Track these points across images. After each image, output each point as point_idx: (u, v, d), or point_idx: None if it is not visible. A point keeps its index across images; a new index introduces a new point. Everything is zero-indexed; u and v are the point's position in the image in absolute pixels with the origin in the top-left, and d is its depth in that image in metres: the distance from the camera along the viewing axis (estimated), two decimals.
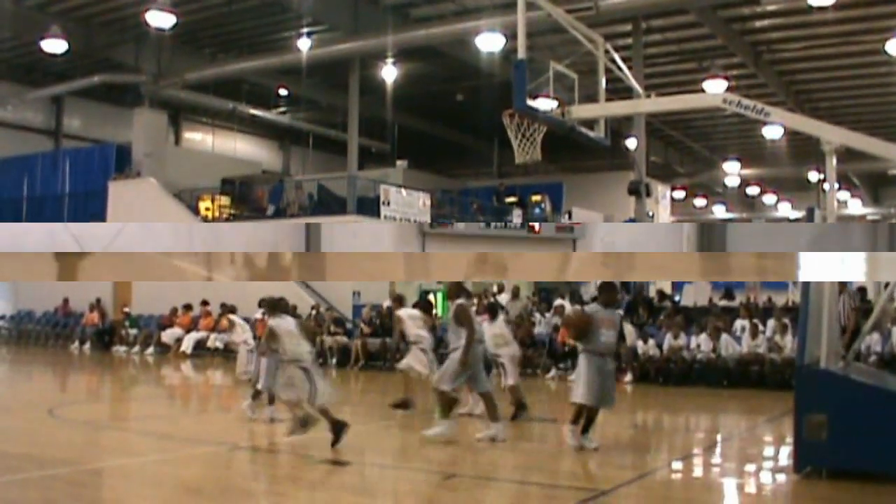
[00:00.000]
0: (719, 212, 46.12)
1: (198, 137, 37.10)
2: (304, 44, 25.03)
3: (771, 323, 17.73)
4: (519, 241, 17.90)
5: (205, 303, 23.38)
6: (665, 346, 18.25)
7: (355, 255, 8.50)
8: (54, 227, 17.42)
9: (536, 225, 17.70)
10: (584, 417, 9.38)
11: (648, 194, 24.97)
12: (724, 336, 17.75)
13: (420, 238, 17.81)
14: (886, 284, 10.95)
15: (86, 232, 16.95)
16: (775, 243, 18.60)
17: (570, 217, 28.84)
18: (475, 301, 13.86)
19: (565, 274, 8.16)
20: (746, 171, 37.98)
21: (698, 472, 9.00)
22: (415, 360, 12.48)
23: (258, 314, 13.26)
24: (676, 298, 22.54)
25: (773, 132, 28.54)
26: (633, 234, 18.57)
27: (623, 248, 18.69)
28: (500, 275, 8.63)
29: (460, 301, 10.25)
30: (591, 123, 16.34)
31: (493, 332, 12.44)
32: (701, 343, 17.93)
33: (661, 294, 21.51)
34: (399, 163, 34.05)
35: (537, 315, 20.66)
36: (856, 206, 42.92)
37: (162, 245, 17.03)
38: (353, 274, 7.87)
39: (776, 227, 19.66)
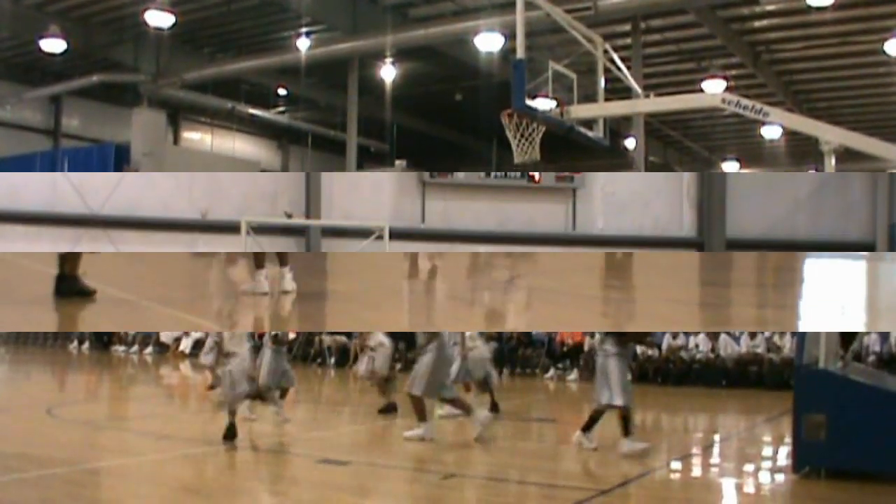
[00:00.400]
0: None
1: (196, 137, 37.07)
2: (302, 43, 25.01)
3: None
4: (519, 191, 17.93)
5: None
6: (664, 346, 18.25)
7: (358, 303, 8.58)
8: (55, 176, 17.40)
9: (536, 175, 17.69)
10: (591, 418, 9.39)
11: None
12: (723, 336, 17.75)
13: (420, 188, 17.87)
14: None
15: (86, 182, 16.99)
16: (776, 193, 18.64)
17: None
18: None
19: (563, 324, 8.18)
20: (745, 171, 37.98)
21: (697, 472, 9.00)
22: (362, 366, 12.60)
23: None
24: None
25: (771, 132, 28.52)
26: (632, 184, 18.60)
27: (623, 197, 18.73)
28: (497, 324, 8.64)
29: None
30: (589, 123, 16.34)
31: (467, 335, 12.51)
32: (699, 343, 17.93)
33: None
34: (398, 162, 34.01)
35: None
36: None
37: (161, 193, 17.08)
38: (354, 324, 7.93)
39: (777, 177, 19.63)
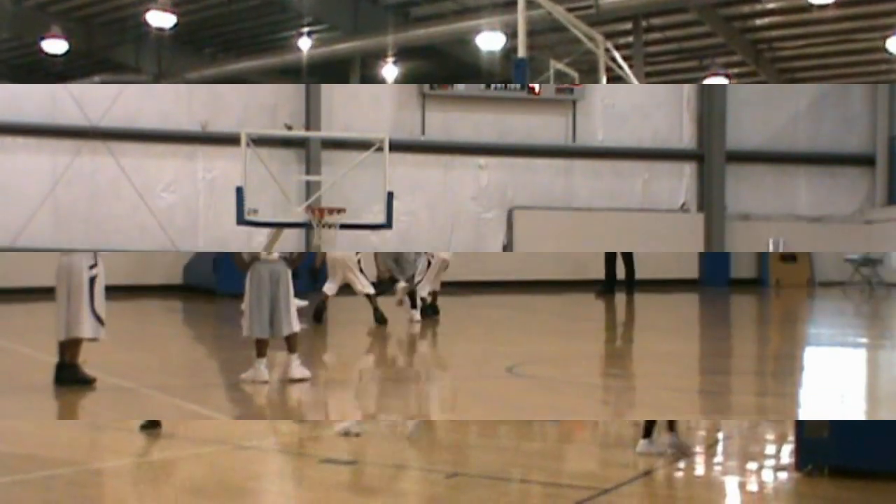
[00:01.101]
0: None
1: None
2: (304, 43, 25.03)
3: None
4: (519, 103, 18.09)
5: None
6: None
7: (356, 392, 8.70)
8: (55, 88, 17.39)
9: (536, 87, 17.77)
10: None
11: None
12: None
13: (420, 100, 17.94)
14: None
15: (86, 93, 17.00)
16: (776, 104, 18.71)
17: None
18: None
19: (564, 414, 8.28)
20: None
21: (700, 470, 9.00)
22: None
23: None
24: None
25: None
26: (632, 96, 18.66)
27: (623, 109, 18.84)
28: (498, 415, 8.70)
29: None
30: None
31: None
32: None
33: None
34: None
35: None
36: None
37: (161, 105, 17.15)
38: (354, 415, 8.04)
39: (777, 89, 19.60)
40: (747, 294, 18.59)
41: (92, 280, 8.51)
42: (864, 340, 13.43)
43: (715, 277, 19.19)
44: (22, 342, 11.41)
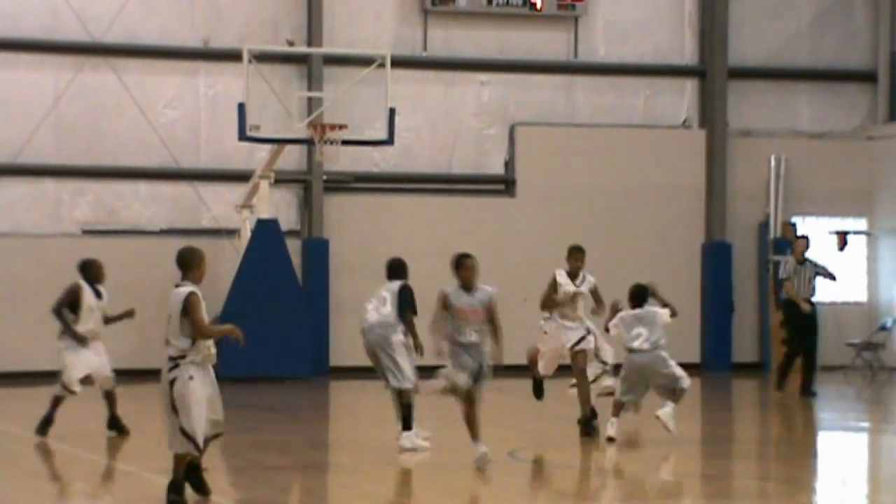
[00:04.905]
0: None
1: None
2: None
3: None
4: (521, 19, 18.12)
5: None
6: None
7: (357, 477, 8.82)
8: (56, 2, 17.21)
9: (538, 2, 17.85)
10: None
11: None
12: None
13: (422, 16, 17.93)
14: None
15: (87, 9, 16.86)
16: (778, 19, 18.63)
17: None
18: None
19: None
20: None
21: None
22: None
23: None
24: None
25: None
26: (634, 11, 18.61)
27: (625, 26, 18.79)
28: None
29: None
30: None
31: None
32: None
33: None
34: None
35: None
36: None
37: (163, 21, 17.06)
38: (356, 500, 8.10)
39: (778, 3, 19.39)
40: (749, 378, 18.08)
41: (171, 382, 7.28)
42: (865, 425, 13.48)
43: (716, 361, 18.33)
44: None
